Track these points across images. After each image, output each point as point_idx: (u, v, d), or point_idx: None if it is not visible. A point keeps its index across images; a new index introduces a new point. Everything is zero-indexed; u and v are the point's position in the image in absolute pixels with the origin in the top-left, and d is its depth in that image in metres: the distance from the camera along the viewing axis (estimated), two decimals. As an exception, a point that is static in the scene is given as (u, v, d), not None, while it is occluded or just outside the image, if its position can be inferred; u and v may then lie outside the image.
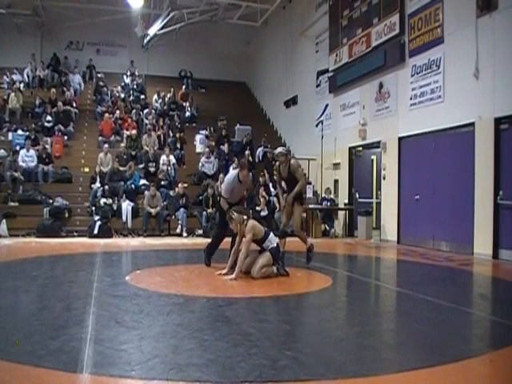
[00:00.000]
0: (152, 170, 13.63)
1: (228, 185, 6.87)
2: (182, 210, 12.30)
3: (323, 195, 13.46)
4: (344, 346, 3.47)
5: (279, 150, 6.97)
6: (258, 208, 12.56)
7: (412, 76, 10.68)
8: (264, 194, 12.95)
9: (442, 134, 9.87)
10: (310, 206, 13.06)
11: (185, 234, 12.01)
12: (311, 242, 7.13)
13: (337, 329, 3.96)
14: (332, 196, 13.38)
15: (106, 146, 13.90)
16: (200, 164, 14.30)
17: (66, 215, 11.85)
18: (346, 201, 13.23)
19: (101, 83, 17.66)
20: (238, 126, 16.78)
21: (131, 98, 17.69)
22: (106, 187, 12.48)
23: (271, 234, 6.23)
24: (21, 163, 12.76)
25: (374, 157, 13.33)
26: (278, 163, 7.10)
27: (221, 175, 13.32)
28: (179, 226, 12.26)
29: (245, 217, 6.14)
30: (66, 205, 12.03)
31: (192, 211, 12.52)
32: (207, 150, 14.50)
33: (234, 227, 6.22)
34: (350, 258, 9.35)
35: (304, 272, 6.60)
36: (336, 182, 13.76)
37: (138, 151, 14.41)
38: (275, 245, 6.13)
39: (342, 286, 6.24)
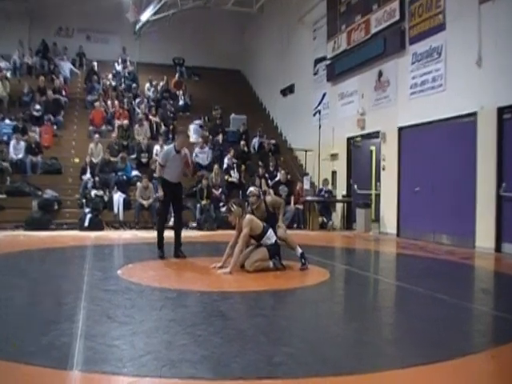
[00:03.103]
0: (144, 160, 13.60)
1: (163, 154, 6.97)
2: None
3: (321, 187, 13.44)
4: (341, 341, 3.47)
5: (251, 188, 6.75)
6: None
7: (412, 64, 10.63)
8: (263, 184, 13.02)
9: (443, 123, 9.83)
10: (308, 198, 13.08)
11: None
12: (300, 249, 6.52)
13: (334, 324, 3.97)
14: (330, 188, 13.37)
15: (97, 135, 13.81)
16: (194, 154, 14.27)
17: (56, 207, 11.79)
18: (345, 192, 13.24)
19: (94, 69, 17.49)
20: (233, 115, 16.74)
21: (123, 86, 17.62)
22: (97, 178, 12.44)
23: (270, 230, 6.23)
24: (12, 155, 12.70)
25: (373, 147, 13.36)
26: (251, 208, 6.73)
27: (215, 166, 13.38)
28: (172, 219, 12.21)
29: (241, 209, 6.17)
30: (56, 197, 11.96)
31: (185, 203, 12.52)
32: (201, 140, 14.52)
33: (233, 220, 6.28)
34: (348, 251, 9.36)
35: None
36: (334, 173, 13.83)
37: (130, 141, 14.38)
38: (273, 241, 6.13)
39: (339, 280, 6.22)
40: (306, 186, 13.48)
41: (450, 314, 4.15)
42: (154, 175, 7.13)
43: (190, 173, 7.67)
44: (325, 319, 4.10)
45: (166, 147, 7.27)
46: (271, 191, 12.89)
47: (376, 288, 5.82)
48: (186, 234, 10.90)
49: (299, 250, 6.37)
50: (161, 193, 7.09)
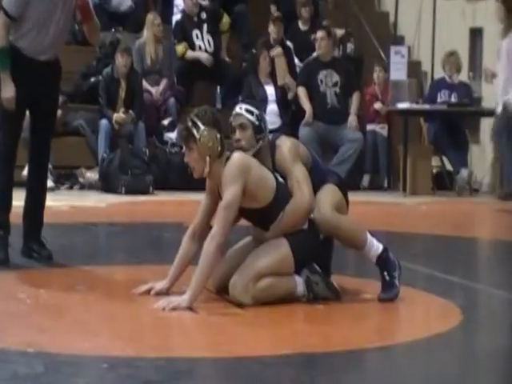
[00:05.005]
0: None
1: None
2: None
3: (439, 76, 13.89)
4: None
5: (238, 107, 6.74)
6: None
7: None
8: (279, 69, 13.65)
9: None
10: (401, 107, 13.26)
11: (50, 184, 12.12)
12: (378, 244, 6.63)
13: None
14: (467, 79, 13.94)
15: None
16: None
17: None
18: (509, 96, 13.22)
19: None
20: None
21: None
22: None
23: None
24: None
25: None
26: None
27: (149, 17, 14.32)
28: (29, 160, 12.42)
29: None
30: None
31: (70, 119, 12.68)
32: None
33: (197, 167, 6.03)
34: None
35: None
36: (475, 33, 14.89)
37: None
38: (306, 226, 6.13)
39: (488, 330, 6.09)
40: (398, 73, 13.64)
41: None
42: None
43: (94, 35, 7.97)
44: None
45: None
46: (302, 93, 12.89)
47: None
48: (68, 201, 11.02)
49: (377, 248, 6.32)
50: (5, 92, 7.21)
